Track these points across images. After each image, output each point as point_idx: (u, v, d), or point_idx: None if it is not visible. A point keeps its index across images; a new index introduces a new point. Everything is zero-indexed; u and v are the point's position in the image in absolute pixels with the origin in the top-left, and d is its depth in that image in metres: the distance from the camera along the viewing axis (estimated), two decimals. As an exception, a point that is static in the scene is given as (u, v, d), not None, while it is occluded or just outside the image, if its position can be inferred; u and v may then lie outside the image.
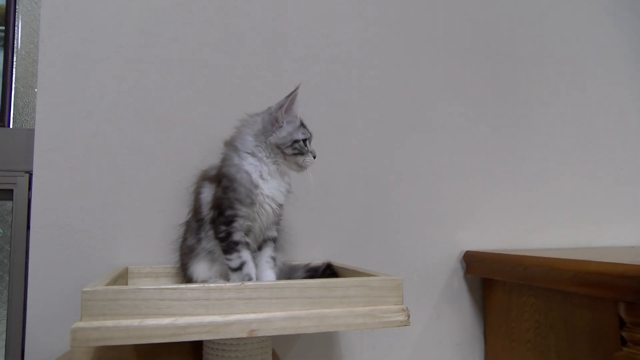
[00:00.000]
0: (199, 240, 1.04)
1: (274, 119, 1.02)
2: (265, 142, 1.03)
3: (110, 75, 1.25)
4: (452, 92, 1.59)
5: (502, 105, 1.64)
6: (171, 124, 1.30)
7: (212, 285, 0.83)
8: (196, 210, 1.07)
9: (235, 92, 1.35)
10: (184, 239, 1.10)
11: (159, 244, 1.25)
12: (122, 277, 1.09)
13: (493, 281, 1.46)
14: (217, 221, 0.99)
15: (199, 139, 1.29)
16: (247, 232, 1.01)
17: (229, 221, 0.98)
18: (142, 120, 1.28)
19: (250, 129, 1.04)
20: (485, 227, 1.56)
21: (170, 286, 0.81)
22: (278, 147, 1.02)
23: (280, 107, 1.02)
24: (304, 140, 1.03)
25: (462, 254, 1.53)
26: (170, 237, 1.23)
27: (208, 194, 1.04)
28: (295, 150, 1.02)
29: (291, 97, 1.01)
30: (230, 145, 1.04)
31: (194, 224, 1.06)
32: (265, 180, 1.01)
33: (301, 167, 1.04)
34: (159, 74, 1.29)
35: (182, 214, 1.21)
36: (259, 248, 1.05)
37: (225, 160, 1.03)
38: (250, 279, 0.97)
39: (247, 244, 1.00)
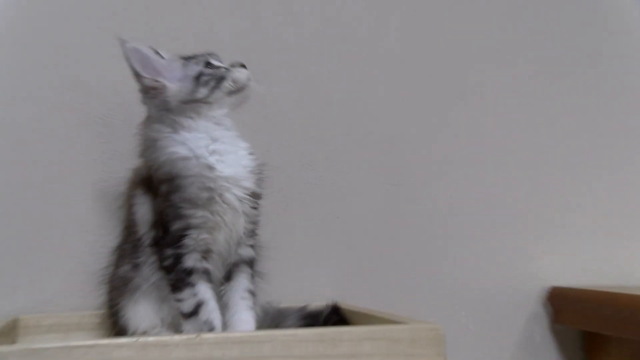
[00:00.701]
0: (136, 268, 0.93)
1: (149, 91, 0.91)
2: (172, 112, 0.91)
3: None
4: (516, 47, 1.43)
5: (594, 66, 1.47)
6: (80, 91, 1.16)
7: (151, 339, 0.73)
8: (130, 229, 0.97)
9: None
10: (116, 267, 1.00)
11: (70, 280, 1.11)
12: (5, 334, 0.98)
13: (600, 337, 1.28)
14: (161, 243, 0.89)
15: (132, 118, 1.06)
16: (206, 252, 0.90)
17: (178, 238, 0.87)
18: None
19: (148, 119, 0.94)
20: (582, 251, 1.39)
21: (85, 342, 0.71)
22: (188, 101, 0.91)
23: (136, 76, 0.90)
24: (207, 64, 0.93)
25: (547, 292, 1.34)
26: (89, 267, 1.09)
27: (145, 207, 0.94)
28: (212, 82, 0.91)
29: (130, 58, 0.89)
30: (143, 150, 0.94)
31: (129, 247, 0.96)
32: (218, 154, 0.89)
33: (240, 90, 0.92)
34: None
35: (109, 232, 1.10)
36: (228, 277, 0.93)
37: (152, 164, 0.91)
38: (211, 329, 0.86)
39: (205, 273, 0.88)
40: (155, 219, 0.91)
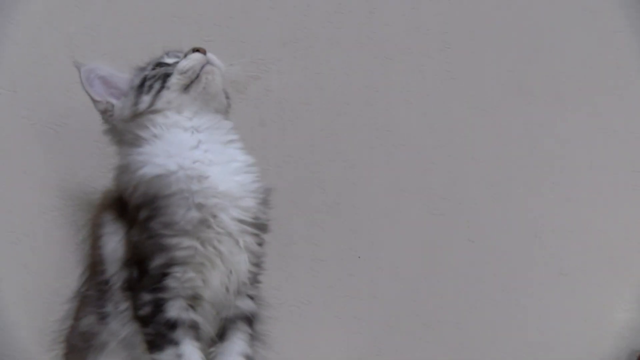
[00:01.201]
0: (103, 320, 0.81)
1: (104, 114, 0.85)
2: (128, 131, 0.84)
3: None
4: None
5: None
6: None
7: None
8: (95, 268, 0.86)
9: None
10: (76, 320, 0.88)
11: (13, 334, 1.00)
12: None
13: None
14: (137, 286, 0.78)
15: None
16: (194, 299, 0.79)
17: (158, 278, 0.76)
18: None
19: (113, 142, 0.87)
20: None
21: None
22: (137, 115, 0.82)
23: (92, 100, 0.85)
24: (157, 65, 0.85)
25: (634, 356, 1.18)
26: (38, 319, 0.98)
27: (115, 239, 0.82)
28: (156, 85, 0.82)
29: (84, 84, 0.84)
30: (122, 173, 0.85)
31: (93, 292, 0.85)
32: (204, 164, 0.79)
33: (196, 79, 0.82)
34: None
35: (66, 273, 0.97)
36: (221, 336, 0.82)
37: (126, 189, 0.82)
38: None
39: (193, 328, 0.77)
40: (130, 255, 0.81)
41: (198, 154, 0.82)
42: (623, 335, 1.20)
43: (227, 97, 0.91)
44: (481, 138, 1.21)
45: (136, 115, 0.84)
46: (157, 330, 0.77)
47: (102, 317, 0.83)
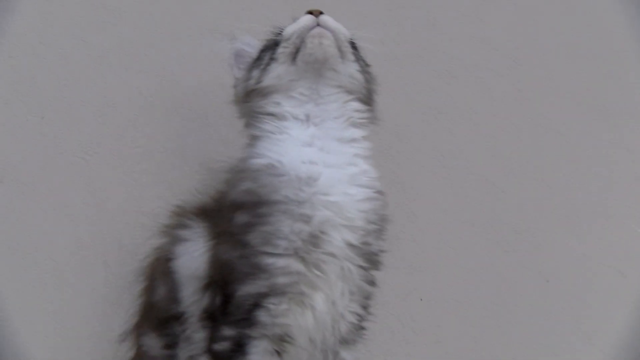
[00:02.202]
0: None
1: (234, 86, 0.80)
2: (250, 112, 0.76)
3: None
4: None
5: None
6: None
7: None
8: (161, 302, 0.74)
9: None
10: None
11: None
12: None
13: None
14: (217, 315, 0.69)
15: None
16: (282, 342, 0.68)
17: (248, 309, 0.67)
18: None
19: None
20: None
21: None
22: (250, 94, 0.75)
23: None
24: (277, 35, 0.77)
25: None
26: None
27: (196, 253, 0.71)
28: (265, 57, 0.75)
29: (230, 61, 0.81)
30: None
31: (153, 338, 0.74)
32: (315, 165, 0.68)
33: (302, 43, 0.71)
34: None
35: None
36: None
37: (229, 178, 0.74)
38: None
39: None
40: (214, 274, 0.71)
41: (310, 152, 0.73)
42: None
43: (366, 73, 0.79)
44: (555, 164, 1.14)
45: (248, 94, 0.77)
46: None
47: (171, 357, 0.76)
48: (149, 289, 0.80)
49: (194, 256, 0.73)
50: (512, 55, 1.11)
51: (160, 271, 0.78)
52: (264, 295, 0.67)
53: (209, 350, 0.71)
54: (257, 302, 0.68)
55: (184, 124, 1.01)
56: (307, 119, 0.73)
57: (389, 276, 1.04)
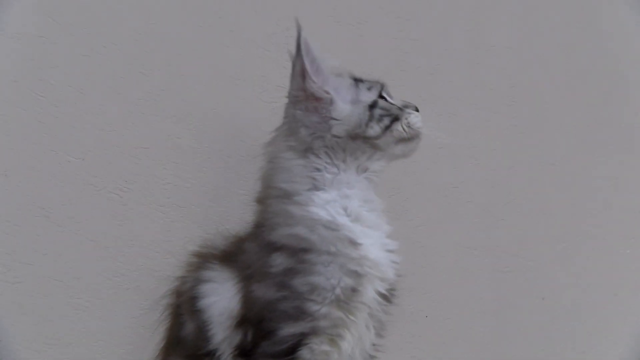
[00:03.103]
0: None
1: (310, 101, 0.76)
2: (325, 145, 0.76)
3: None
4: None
5: None
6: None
7: None
8: (191, 337, 0.77)
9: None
10: None
11: None
12: None
13: None
14: (258, 352, 0.71)
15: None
16: None
17: (290, 349, 0.70)
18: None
19: (286, 142, 0.78)
20: None
21: None
22: (354, 136, 0.76)
23: (302, 75, 0.75)
24: (380, 97, 0.80)
25: None
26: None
27: (225, 294, 0.75)
28: (385, 120, 0.76)
29: (304, 50, 0.75)
30: (272, 194, 0.78)
31: (186, 358, 0.78)
32: (363, 225, 0.74)
33: (412, 139, 0.78)
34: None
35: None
36: None
37: (267, 220, 0.76)
38: None
39: None
40: (247, 313, 0.74)
41: (362, 211, 0.77)
42: None
43: None
44: (549, 192, 1.18)
45: (354, 135, 0.77)
46: None
47: None
48: (176, 324, 0.82)
49: (225, 297, 0.76)
50: (508, 94, 1.14)
51: (187, 309, 0.79)
52: (306, 335, 0.71)
53: None
54: (299, 342, 0.71)
55: (207, 163, 1.03)
56: (368, 179, 0.78)
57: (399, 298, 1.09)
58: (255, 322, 0.73)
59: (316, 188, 0.76)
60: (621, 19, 1.24)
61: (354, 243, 0.73)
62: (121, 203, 0.99)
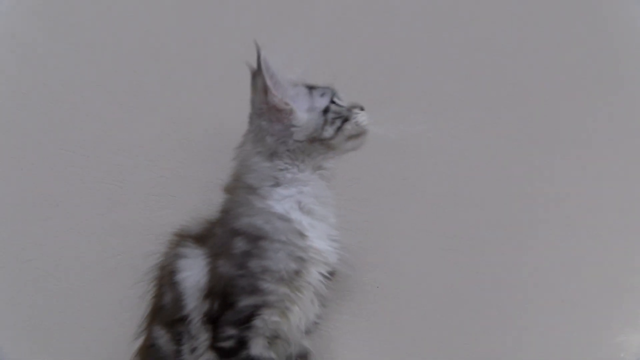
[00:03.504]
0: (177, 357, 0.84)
1: (273, 112, 0.82)
2: (287, 149, 0.82)
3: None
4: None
5: None
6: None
7: None
8: (169, 306, 0.85)
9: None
10: None
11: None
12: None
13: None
14: (222, 318, 0.79)
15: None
16: (273, 338, 0.82)
17: (247, 317, 0.78)
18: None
19: (254, 148, 0.84)
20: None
21: None
22: (312, 139, 0.82)
23: (264, 91, 0.81)
24: (332, 102, 0.85)
25: None
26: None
27: (196, 270, 0.82)
28: (337, 122, 0.83)
29: (264, 68, 0.80)
30: (239, 187, 0.84)
31: (164, 334, 0.85)
32: (312, 218, 0.81)
33: (360, 135, 0.84)
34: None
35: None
36: None
37: (233, 209, 0.83)
38: None
39: None
40: (213, 287, 0.81)
41: (315, 206, 0.83)
42: (619, 356, 1.22)
43: None
44: (490, 183, 1.21)
45: (312, 139, 0.82)
46: None
47: (176, 356, 0.85)
48: (159, 294, 0.89)
49: (196, 272, 0.83)
50: (453, 95, 1.20)
51: (167, 281, 0.86)
52: (259, 308, 0.79)
53: (215, 347, 0.81)
54: (253, 312, 0.79)
55: (195, 158, 1.12)
56: (322, 177, 0.83)
57: (357, 273, 1.11)
58: (219, 294, 0.80)
59: (277, 185, 0.82)
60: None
61: (301, 234, 0.79)
62: (120, 193, 1.10)
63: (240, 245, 0.79)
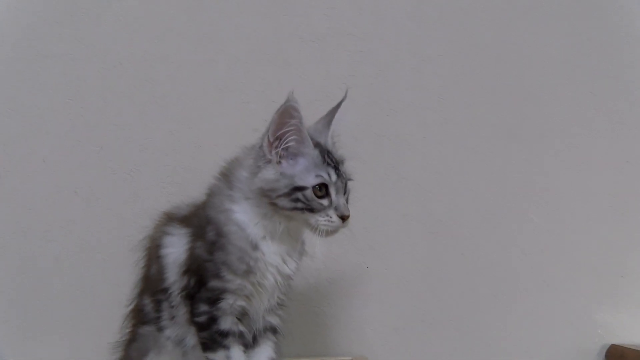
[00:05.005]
0: (158, 325, 0.87)
1: (265, 147, 0.82)
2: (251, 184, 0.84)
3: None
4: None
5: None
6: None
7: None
8: (154, 277, 0.88)
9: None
10: (132, 333, 0.91)
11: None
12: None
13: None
14: (197, 296, 0.83)
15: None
16: (241, 315, 0.85)
17: (215, 298, 0.82)
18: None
19: (250, 157, 0.85)
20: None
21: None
22: (264, 194, 0.82)
23: (266, 131, 0.82)
24: (320, 186, 0.81)
25: (605, 350, 1.29)
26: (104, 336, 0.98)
27: (178, 247, 0.86)
28: (296, 204, 0.81)
29: (280, 112, 0.79)
30: (224, 176, 0.86)
31: (149, 301, 0.88)
32: (268, 241, 0.83)
33: (314, 229, 0.82)
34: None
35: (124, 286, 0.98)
36: (254, 341, 0.89)
37: (212, 195, 0.86)
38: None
39: (240, 336, 0.84)
40: (190, 265, 0.85)
41: (269, 232, 0.83)
42: (595, 331, 1.28)
43: None
44: (472, 173, 1.26)
45: (258, 195, 0.82)
46: (212, 336, 0.84)
47: (159, 322, 0.88)
48: (147, 266, 0.92)
49: (178, 249, 0.87)
50: (437, 94, 1.23)
51: (154, 254, 0.89)
52: (223, 292, 0.83)
53: (192, 322, 0.84)
54: (219, 297, 0.83)
55: (199, 151, 1.17)
56: (273, 220, 0.83)
57: (347, 254, 1.18)
58: (195, 273, 0.85)
59: (247, 199, 0.83)
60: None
61: (254, 246, 0.82)
62: (132, 182, 1.15)
63: (211, 233, 0.83)
